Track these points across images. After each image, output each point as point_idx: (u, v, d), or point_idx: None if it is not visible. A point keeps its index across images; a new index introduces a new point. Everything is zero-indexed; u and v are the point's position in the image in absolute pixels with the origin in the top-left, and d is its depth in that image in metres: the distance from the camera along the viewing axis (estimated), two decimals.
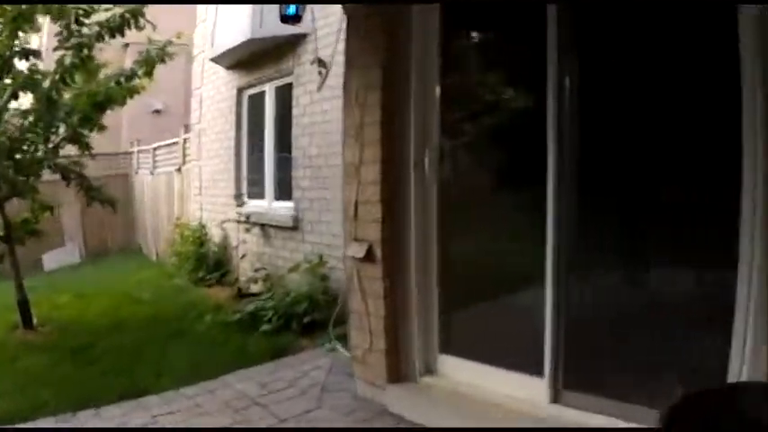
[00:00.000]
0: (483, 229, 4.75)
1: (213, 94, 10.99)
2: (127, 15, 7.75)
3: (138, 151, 16.75)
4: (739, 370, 3.22)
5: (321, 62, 7.27)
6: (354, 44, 5.07)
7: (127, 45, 13.51)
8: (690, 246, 3.61)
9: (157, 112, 19.50)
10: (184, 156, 12.71)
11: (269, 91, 9.30)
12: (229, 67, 10.25)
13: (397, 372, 4.81)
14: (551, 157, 4.00)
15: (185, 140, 12.65)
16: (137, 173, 16.93)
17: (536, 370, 4.13)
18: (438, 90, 4.72)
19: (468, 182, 4.89)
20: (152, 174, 15.13)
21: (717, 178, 3.50)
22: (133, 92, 8.36)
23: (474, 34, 5.15)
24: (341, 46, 5.96)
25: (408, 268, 4.78)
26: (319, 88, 7.31)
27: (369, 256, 4.84)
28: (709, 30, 3.47)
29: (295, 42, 8.27)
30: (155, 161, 15.05)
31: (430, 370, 4.80)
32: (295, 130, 8.28)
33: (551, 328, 4.06)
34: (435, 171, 4.72)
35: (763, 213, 3.15)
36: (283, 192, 8.77)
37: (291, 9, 6.12)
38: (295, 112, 8.28)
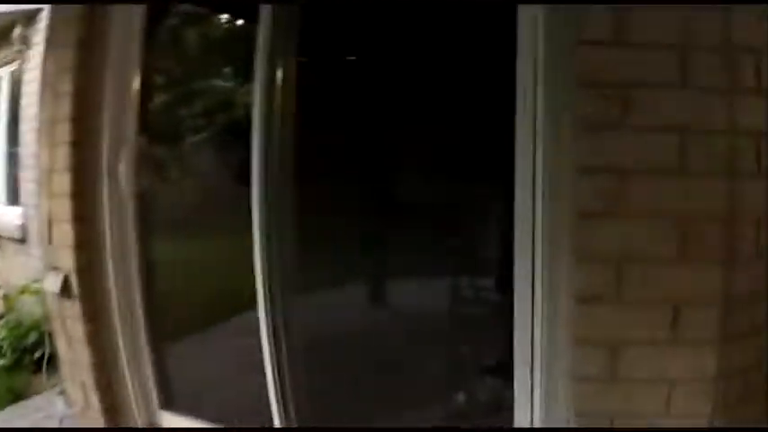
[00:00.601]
0: (197, 245, 3.98)
1: None
2: None
3: None
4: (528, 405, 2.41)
5: (24, 39, 6.01)
6: (57, 16, 3.96)
7: None
8: (448, 253, 3.29)
9: None
10: None
11: (5, 76, 7.90)
12: None
13: None
14: (256, 156, 3.18)
15: None
16: None
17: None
18: (138, 78, 3.69)
19: (176, 190, 4.07)
20: None
21: (480, 178, 3.17)
22: None
23: (186, 12, 4.21)
24: None
25: (112, 305, 3.73)
26: (17, 71, 6.07)
27: (66, 291, 3.74)
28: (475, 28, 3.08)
29: (33, 19, 6.94)
30: None
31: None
32: (23, 123, 7.00)
33: (273, 368, 3.21)
34: (133, 179, 3.69)
35: (547, 215, 2.32)
36: (16, 195, 7.52)
37: None
38: (24, 101, 6.98)
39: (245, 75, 3.50)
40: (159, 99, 3.97)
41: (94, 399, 3.80)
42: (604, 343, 2.17)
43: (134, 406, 3.77)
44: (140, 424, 3.78)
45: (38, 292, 5.96)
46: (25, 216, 6.95)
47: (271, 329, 3.19)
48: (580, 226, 2.18)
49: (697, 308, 2.14)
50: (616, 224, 2.14)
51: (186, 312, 3.98)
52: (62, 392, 4.86)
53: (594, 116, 2.13)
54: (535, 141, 2.31)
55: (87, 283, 3.70)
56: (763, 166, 2.19)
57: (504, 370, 3.09)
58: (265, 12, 3.14)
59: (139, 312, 3.75)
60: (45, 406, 5.11)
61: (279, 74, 3.18)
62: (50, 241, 3.84)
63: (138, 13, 3.65)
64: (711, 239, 2.11)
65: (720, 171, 2.09)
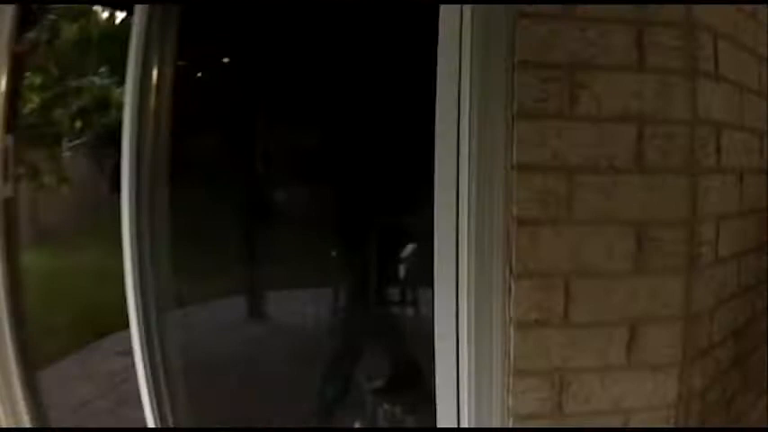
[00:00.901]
0: (70, 258, 3.69)
1: None
2: None
3: None
4: None
5: None
6: None
7: None
8: (331, 263, 3.12)
9: None
10: None
11: None
12: None
13: None
14: (126, 160, 2.84)
15: None
16: None
17: None
18: (6, 71, 3.29)
19: (48, 196, 3.69)
20: None
21: (368, 183, 3.02)
22: None
23: (64, 8, 3.98)
24: None
25: None
26: None
27: None
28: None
29: None
30: None
31: None
32: None
33: (149, 391, 2.84)
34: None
35: (475, 223, 1.84)
36: None
37: None
38: None
39: (123, 74, 3.11)
40: (31, 98, 3.56)
41: None
42: (549, 374, 1.80)
43: None
44: None
45: None
46: None
47: (144, 348, 2.85)
48: (518, 235, 1.79)
49: (656, 326, 1.81)
50: (561, 232, 1.77)
51: (60, 334, 3.65)
52: None
53: (535, 103, 1.75)
54: (459, 134, 1.86)
55: None
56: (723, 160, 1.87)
57: (395, 390, 2.85)
58: (141, 10, 2.84)
59: (7, 337, 3.30)
60: None
61: (154, 74, 2.90)
62: None
63: (9, 8, 3.29)
64: (671, 246, 1.77)
65: (681, 167, 1.75)
